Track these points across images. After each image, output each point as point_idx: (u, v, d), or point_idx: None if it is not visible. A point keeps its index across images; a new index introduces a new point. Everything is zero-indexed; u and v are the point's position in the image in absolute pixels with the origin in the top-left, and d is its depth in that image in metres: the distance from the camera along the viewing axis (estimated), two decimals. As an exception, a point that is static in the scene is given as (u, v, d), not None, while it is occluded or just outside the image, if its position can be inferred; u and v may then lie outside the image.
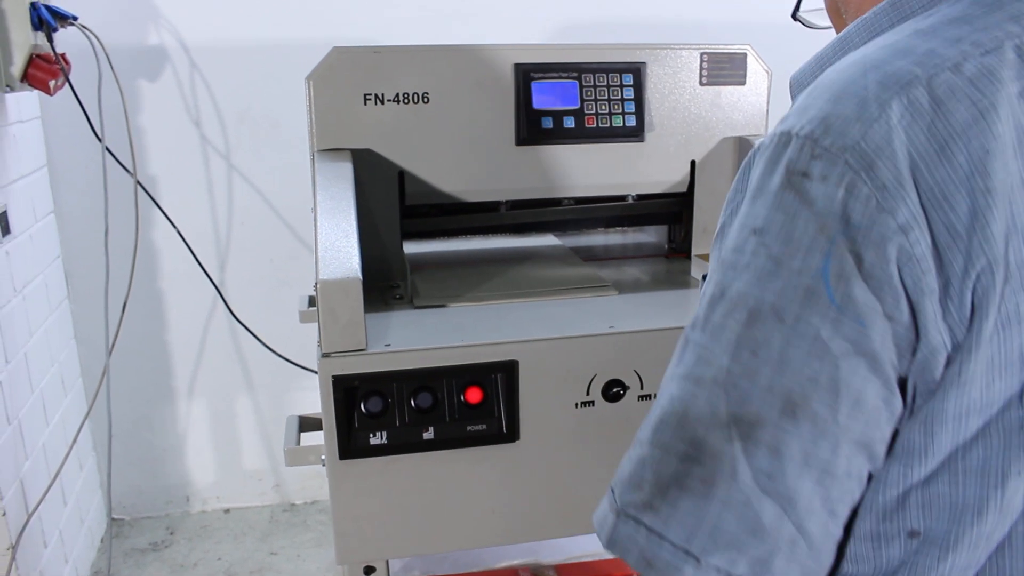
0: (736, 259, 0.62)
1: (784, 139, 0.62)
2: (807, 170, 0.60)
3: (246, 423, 2.53)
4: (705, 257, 1.41)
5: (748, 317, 0.60)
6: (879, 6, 0.70)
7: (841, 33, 0.73)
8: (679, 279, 1.42)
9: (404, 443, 1.09)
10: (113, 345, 1.97)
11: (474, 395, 1.09)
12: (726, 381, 0.61)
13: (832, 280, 0.58)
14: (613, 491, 0.66)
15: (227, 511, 2.59)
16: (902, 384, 0.60)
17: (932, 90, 0.59)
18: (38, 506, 1.88)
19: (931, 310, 0.58)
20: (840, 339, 0.58)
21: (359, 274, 1.03)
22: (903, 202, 0.57)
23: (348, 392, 1.06)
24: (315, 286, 1.05)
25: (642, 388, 1.15)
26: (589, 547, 1.63)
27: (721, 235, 0.67)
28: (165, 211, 2.12)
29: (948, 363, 0.60)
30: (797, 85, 0.76)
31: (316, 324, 1.09)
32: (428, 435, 1.09)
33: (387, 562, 1.24)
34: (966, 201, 0.58)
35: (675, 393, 0.64)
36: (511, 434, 1.11)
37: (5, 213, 1.85)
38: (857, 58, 0.64)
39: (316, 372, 1.08)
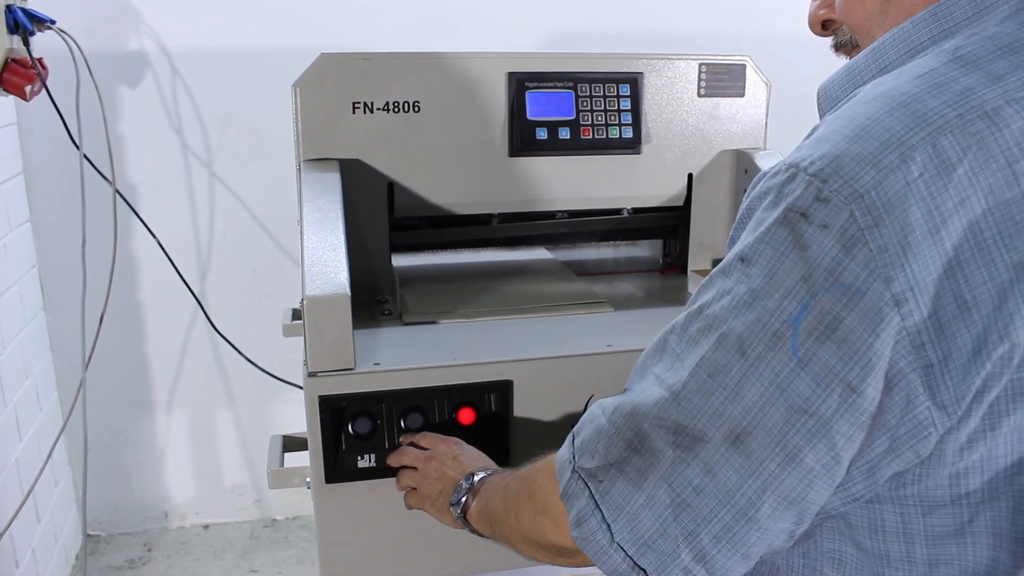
0: (721, 280, 0.62)
1: (791, 172, 0.59)
2: (807, 211, 0.57)
3: (226, 437, 2.48)
4: (704, 272, 1.38)
5: (717, 340, 0.60)
6: (917, 16, 0.64)
7: (875, 43, 0.67)
8: (676, 295, 1.39)
9: (393, 466, 1.04)
10: (90, 357, 1.91)
11: (466, 416, 1.05)
12: (680, 392, 0.62)
13: (801, 332, 0.56)
14: (574, 441, 0.70)
15: (206, 527, 2.53)
16: (879, 455, 0.59)
17: (964, 141, 0.54)
18: (10, 524, 1.82)
19: (918, 385, 0.56)
20: (792, 392, 0.57)
21: (347, 290, 0.99)
22: (902, 269, 0.54)
23: (335, 413, 1.02)
24: (301, 302, 1.00)
25: (640, 409, 1.11)
26: (579, 571, 1.59)
27: (728, 247, 0.66)
28: (144, 220, 2.06)
29: (942, 436, 0.57)
30: (825, 98, 0.72)
31: (299, 338, 1.05)
32: (418, 458, 1.04)
33: (374, 589, 1.19)
34: (984, 274, 0.54)
35: (644, 387, 0.66)
36: (504, 457, 1.07)
37: (-22, 221, 1.79)
38: (887, 89, 0.60)
39: (299, 386, 1.04)
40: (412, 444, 1.02)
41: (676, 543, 0.62)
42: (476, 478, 0.92)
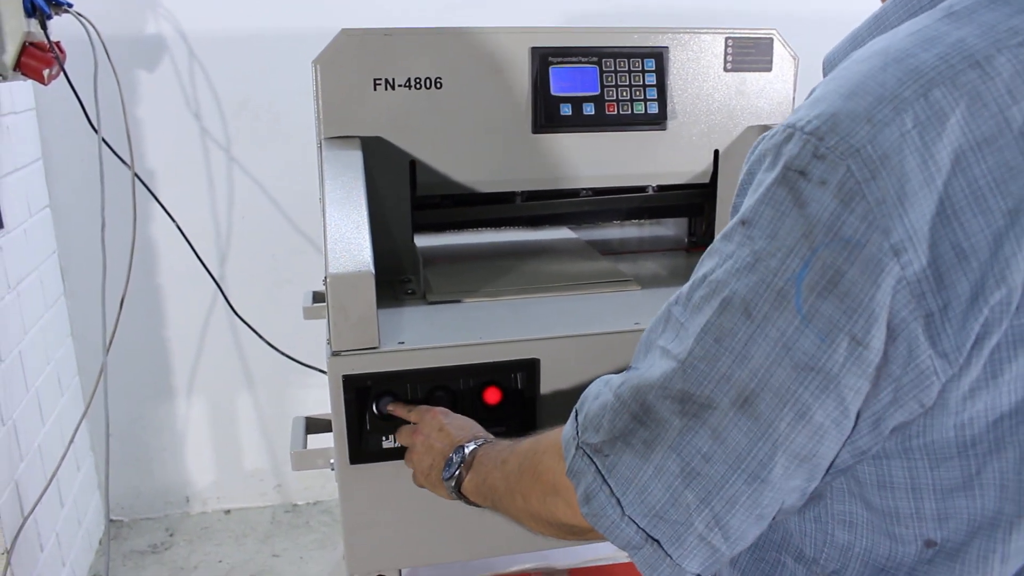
0: (723, 246, 0.62)
1: (788, 132, 0.59)
2: (805, 169, 0.57)
3: (247, 422, 2.48)
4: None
5: (721, 305, 0.60)
6: None
7: (877, 9, 0.68)
8: (703, 273, 1.36)
9: (419, 446, 1.03)
10: (111, 343, 1.91)
11: (492, 395, 1.04)
12: (686, 360, 0.62)
13: (804, 289, 0.57)
14: (577, 417, 0.70)
15: (228, 512, 2.53)
16: (884, 406, 0.59)
17: (956, 91, 0.55)
18: (34, 509, 1.82)
19: (920, 335, 0.56)
20: (798, 350, 0.57)
21: (371, 268, 0.97)
22: (900, 219, 0.54)
23: (359, 393, 1.00)
24: (324, 280, 0.99)
25: (669, 388, 1.09)
26: (602, 551, 1.58)
27: (732, 215, 0.66)
28: (164, 205, 2.06)
29: (945, 385, 0.57)
30: (830, 66, 0.72)
31: (319, 321, 1.03)
32: (444, 438, 1.03)
33: (400, 571, 1.18)
34: (980, 221, 0.55)
35: (650, 360, 0.66)
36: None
37: (-2, 206, 1.79)
38: (881, 47, 0.60)
39: (319, 370, 1.03)
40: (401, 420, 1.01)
41: (689, 511, 0.63)
42: (467, 450, 0.91)
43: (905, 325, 0.56)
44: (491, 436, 0.94)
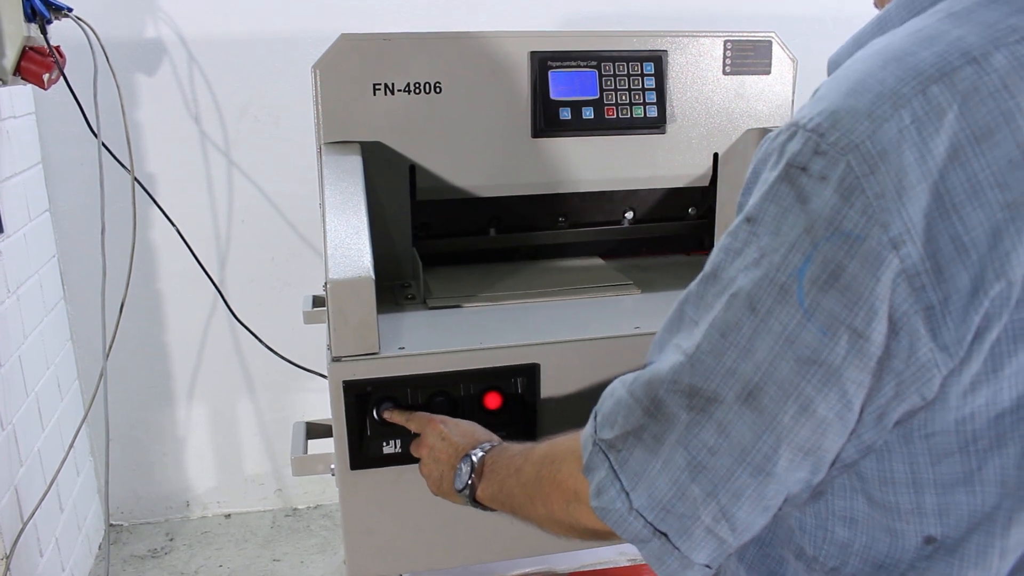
0: (731, 243, 0.63)
1: (792, 130, 0.61)
2: (807, 165, 0.58)
3: (247, 426, 2.47)
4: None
5: (728, 300, 0.61)
6: None
7: (881, 11, 0.70)
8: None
9: (419, 452, 1.03)
10: (110, 347, 1.91)
11: (493, 400, 1.04)
12: (694, 355, 0.63)
13: (806, 284, 0.57)
14: (596, 417, 0.71)
15: (228, 516, 2.53)
16: (888, 399, 0.59)
17: (953, 87, 0.56)
18: (34, 513, 1.82)
19: (921, 328, 0.56)
20: (801, 344, 0.58)
21: (371, 273, 0.97)
22: (899, 213, 0.55)
23: (360, 398, 1.00)
24: (324, 285, 0.99)
25: (669, 392, 1.09)
26: (603, 555, 1.58)
27: (737, 213, 0.66)
28: (164, 209, 2.06)
29: (946, 378, 0.58)
30: (834, 67, 0.73)
31: (320, 325, 1.03)
32: (445, 443, 1.03)
33: (400, 576, 1.18)
34: (979, 215, 0.55)
35: (662, 357, 0.67)
36: (531, 441, 1.05)
37: (-2, 211, 1.79)
38: (881, 47, 0.62)
39: (319, 374, 1.03)
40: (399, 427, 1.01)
41: (695, 504, 0.63)
42: (475, 458, 0.91)
43: (906, 318, 0.56)
44: (495, 437, 0.95)
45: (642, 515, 0.65)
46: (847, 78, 0.60)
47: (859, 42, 0.70)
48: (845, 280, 0.56)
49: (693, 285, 0.66)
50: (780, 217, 0.59)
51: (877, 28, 0.69)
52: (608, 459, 0.68)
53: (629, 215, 1.43)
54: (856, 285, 0.56)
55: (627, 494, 0.66)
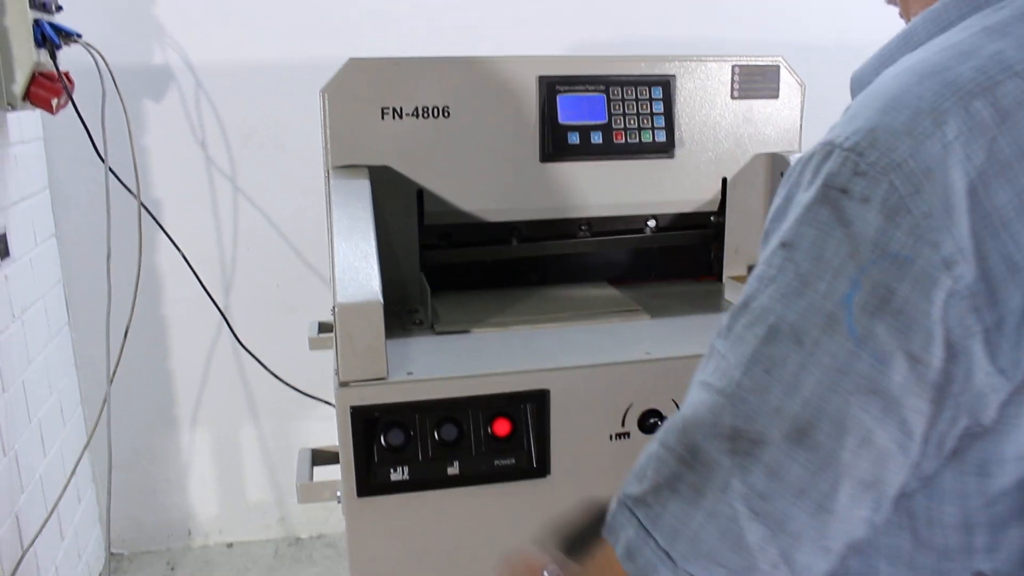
0: (764, 271, 0.60)
1: (827, 149, 0.57)
2: (847, 187, 0.55)
3: (251, 454, 2.45)
4: (740, 279, 1.34)
5: (767, 333, 0.58)
6: None
7: (907, 27, 0.67)
8: (713, 302, 1.35)
9: (427, 479, 1.01)
10: (114, 373, 1.90)
11: (502, 427, 1.02)
12: (735, 394, 0.58)
13: (856, 310, 0.54)
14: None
15: (230, 545, 2.50)
16: (947, 426, 0.56)
17: (997, 101, 0.54)
18: (34, 540, 1.80)
19: (978, 351, 0.54)
20: (854, 374, 0.55)
21: (380, 297, 0.96)
22: (949, 232, 0.53)
23: (367, 424, 0.99)
24: (332, 309, 0.98)
25: (680, 418, 1.07)
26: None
27: (764, 242, 0.63)
28: (169, 234, 2.05)
29: (1005, 403, 0.55)
30: (858, 84, 0.71)
31: (325, 351, 1.02)
32: (453, 470, 1.02)
33: (406, 606, 1.16)
34: None
35: (692, 399, 0.62)
36: (541, 468, 1.04)
37: (4, 235, 1.78)
38: (915, 61, 0.59)
39: (325, 401, 1.01)
40: None
41: (751, 554, 0.58)
42: None
43: (963, 340, 0.54)
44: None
45: (690, 573, 0.59)
46: (881, 94, 0.58)
47: (885, 57, 0.68)
48: (897, 304, 0.53)
49: (724, 317, 0.62)
50: (820, 241, 0.56)
51: (904, 43, 0.67)
52: (636, 516, 0.62)
53: (652, 223, 1.42)
54: (909, 309, 0.53)
55: (667, 552, 0.60)
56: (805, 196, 0.58)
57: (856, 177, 0.55)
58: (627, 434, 1.06)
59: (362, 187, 1.16)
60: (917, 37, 0.65)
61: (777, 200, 0.62)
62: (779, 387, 0.57)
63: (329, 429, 1.00)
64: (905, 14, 0.71)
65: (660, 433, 0.63)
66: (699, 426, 0.59)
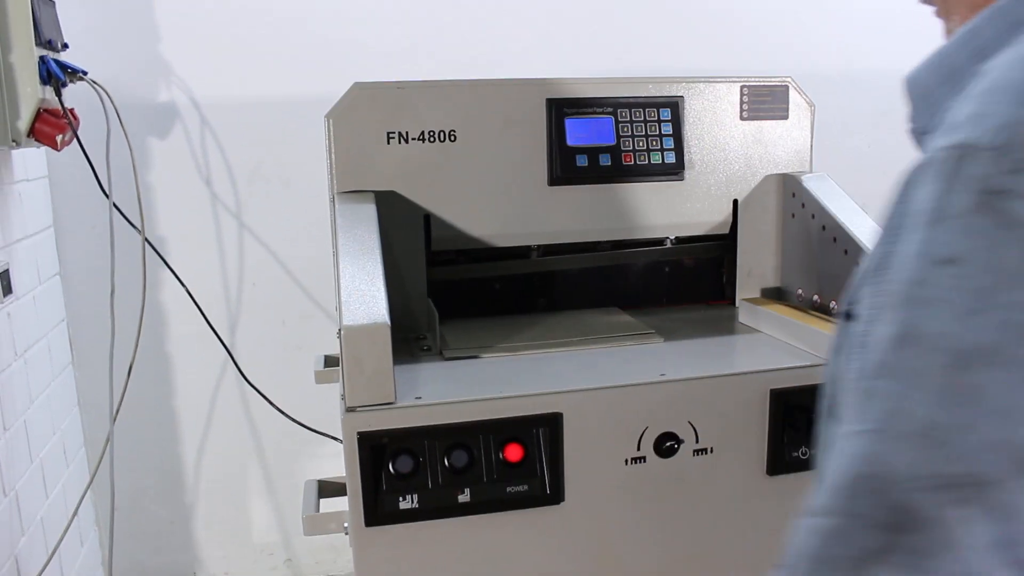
0: (921, 293, 0.54)
1: (960, 152, 0.53)
2: (1005, 188, 0.51)
3: (256, 494, 2.41)
4: (755, 301, 1.31)
5: (954, 360, 0.51)
6: None
7: (968, 24, 0.63)
8: (726, 325, 1.32)
9: (437, 507, 0.98)
10: (117, 412, 1.87)
11: (514, 452, 0.99)
12: (935, 436, 0.51)
13: None
14: None
15: (235, 588, 2.44)
16: None
17: None
18: (35, 586, 1.76)
19: None
20: None
21: (387, 319, 0.94)
22: None
23: (375, 450, 0.96)
24: (338, 333, 0.95)
25: (697, 441, 1.04)
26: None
27: (882, 268, 0.57)
28: (175, 271, 2.04)
29: None
30: (917, 85, 0.67)
31: (332, 385, 0.99)
32: (464, 498, 0.98)
33: (417, 643, 1.12)
34: None
35: (865, 452, 0.54)
36: (556, 495, 1.00)
37: (7, 272, 1.77)
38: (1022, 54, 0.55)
39: (332, 437, 0.99)
40: None
41: None
42: None
43: None
44: None
45: None
46: (1006, 89, 0.54)
47: (946, 57, 0.64)
48: None
49: (877, 356, 0.55)
50: (992, 251, 0.52)
51: (967, 41, 0.63)
52: None
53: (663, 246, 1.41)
54: None
55: None
56: (953, 206, 0.53)
57: (1011, 175, 0.51)
58: (643, 458, 1.03)
59: (368, 211, 1.15)
60: (983, 35, 0.62)
61: (889, 216, 0.58)
62: (988, 418, 0.51)
63: (337, 467, 0.97)
64: (944, 13, 0.68)
65: (830, 503, 0.56)
66: (902, 482, 0.52)
